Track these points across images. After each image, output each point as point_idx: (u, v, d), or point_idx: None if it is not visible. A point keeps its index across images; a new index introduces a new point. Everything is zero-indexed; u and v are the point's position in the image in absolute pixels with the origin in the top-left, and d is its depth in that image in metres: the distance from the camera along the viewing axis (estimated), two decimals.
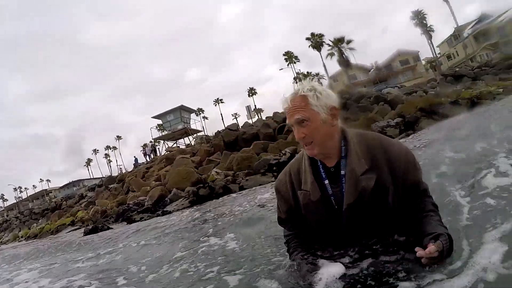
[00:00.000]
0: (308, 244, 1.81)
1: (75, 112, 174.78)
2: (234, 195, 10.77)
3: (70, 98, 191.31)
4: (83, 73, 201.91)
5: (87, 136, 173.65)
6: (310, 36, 51.48)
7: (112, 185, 27.12)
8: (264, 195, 7.72)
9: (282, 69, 58.54)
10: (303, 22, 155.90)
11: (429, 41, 52.81)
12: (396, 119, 15.66)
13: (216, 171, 15.58)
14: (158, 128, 42.63)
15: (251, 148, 19.19)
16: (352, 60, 51.19)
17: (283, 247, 2.82)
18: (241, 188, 10.97)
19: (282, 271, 2.05)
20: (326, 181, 1.70)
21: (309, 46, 52.04)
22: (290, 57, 58.45)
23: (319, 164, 1.74)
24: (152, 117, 38.66)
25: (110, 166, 79.44)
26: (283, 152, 15.27)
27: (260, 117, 40.13)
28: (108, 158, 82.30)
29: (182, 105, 37.57)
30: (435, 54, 55.83)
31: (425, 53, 71.66)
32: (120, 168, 48.81)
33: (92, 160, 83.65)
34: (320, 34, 51.39)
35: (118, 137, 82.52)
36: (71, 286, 3.39)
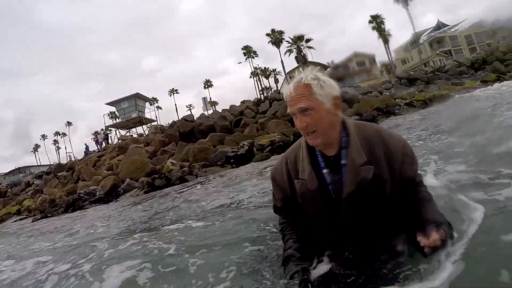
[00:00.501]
0: (302, 232, 1.80)
1: (26, 95, 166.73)
2: (191, 183, 10.81)
3: (21, 80, 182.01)
4: (37, 55, 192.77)
5: (37, 121, 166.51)
6: (270, 32, 52.27)
7: (61, 173, 26.04)
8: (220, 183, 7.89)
9: (240, 63, 58.80)
10: (263, 18, 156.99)
11: (386, 45, 54.83)
12: (353, 117, 16.20)
13: (171, 162, 15.41)
14: (111, 115, 41.50)
15: (207, 139, 19.15)
16: (310, 58, 52.17)
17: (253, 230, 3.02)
18: (200, 182, 10.91)
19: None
20: (325, 170, 1.70)
21: (268, 42, 52.77)
22: (248, 52, 58.91)
23: (317, 153, 1.73)
24: (105, 104, 37.45)
25: (59, 153, 76.59)
26: (241, 145, 15.38)
27: (215, 109, 40.03)
28: (57, 144, 79.28)
29: (137, 93, 36.70)
30: (391, 58, 58.11)
31: (381, 56, 74.40)
32: (70, 156, 47.28)
33: (40, 146, 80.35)
34: (280, 31, 52.45)
35: (68, 123, 79.60)
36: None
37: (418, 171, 1.78)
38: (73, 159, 35.53)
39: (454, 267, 1.43)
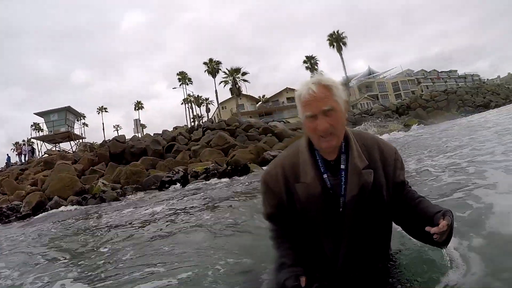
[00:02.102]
0: (294, 238, 1.79)
1: None
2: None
3: None
4: None
5: None
6: (208, 61, 53.08)
7: None
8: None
9: (175, 88, 59.05)
10: (200, 46, 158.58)
11: None
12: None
13: (103, 182, 15.47)
14: (35, 127, 39.65)
15: (140, 162, 19.28)
16: (244, 91, 53.85)
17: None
18: (140, 200, 11.37)
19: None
20: (325, 175, 1.72)
21: (205, 71, 53.62)
22: (183, 78, 59.39)
23: (318, 158, 1.75)
24: (34, 113, 35.46)
25: None
26: (176, 170, 15.86)
27: (143, 132, 39.69)
28: None
29: (69, 107, 35.39)
30: None
31: None
32: None
33: None
34: (217, 61, 53.44)
35: None
36: None
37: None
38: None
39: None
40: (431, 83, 75.02)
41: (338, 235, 1.70)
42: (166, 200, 9.92)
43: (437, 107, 43.00)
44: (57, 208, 13.57)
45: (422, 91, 64.34)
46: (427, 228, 1.48)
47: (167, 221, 6.11)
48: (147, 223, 6.46)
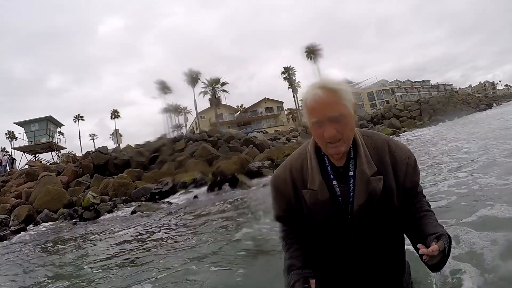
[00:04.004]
0: (304, 240, 1.74)
1: None
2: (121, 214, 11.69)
3: None
4: None
5: None
6: (187, 72, 53.39)
7: None
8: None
9: (155, 97, 59.05)
10: (177, 54, 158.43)
11: (295, 95, 58.49)
12: (267, 161, 18.20)
13: (92, 195, 15.75)
14: (9, 135, 39.08)
15: (126, 174, 19.57)
16: (223, 101, 54.31)
17: None
18: (133, 213, 11.83)
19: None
20: (335, 182, 1.62)
21: (184, 81, 53.84)
22: (163, 87, 59.43)
23: (327, 164, 1.65)
24: (14, 123, 34.66)
25: None
26: (165, 182, 16.26)
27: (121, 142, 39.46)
28: None
29: (50, 116, 34.91)
30: (298, 106, 61.92)
31: (289, 104, 79.49)
32: None
33: None
34: (197, 71, 53.71)
35: None
36: None
37: (420, 183, 1.74)
38: None
39: None
40: (405, 93, 77.87)
41: (347, 242, 1.62)
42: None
43: (410, 116, 44.97)
44: (48, 222, 13.84)
45: (396, 101, 66.65)
46: (419, 246, 1.41)
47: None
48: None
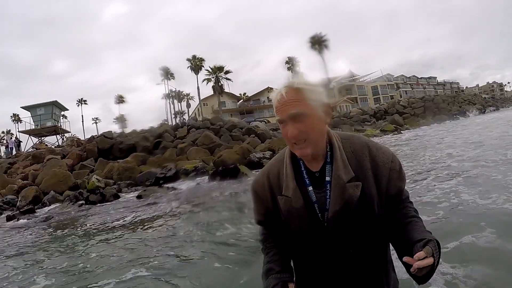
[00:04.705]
0: (283, 245, 1.69)
1: None
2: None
3: None
4: None
5: None
6: (191, 58, 53.32)
7: None
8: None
9: (158, 84, 59.19)
10: (180, 40, 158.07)
11: None
12: (268, 152, 18.61)
13: (96, 178, 16.19)
14: (14, 118, 39.55)
15: (132, 159, 19.99)
16: (226, 89, 54.36)
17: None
18: (139, 197, 12.39)
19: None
20: (310, 188, 1.56)
21: (188, 67, 53.77)
22: (166, 73, 59.54)
23: (302, 169, 1.59)
24: (21, 107, 35.78)
25: None
26: (169, 167, 16.69)
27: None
28: None
29: (55, 101, 35.74)
30: None
31: None
32: None
33: None
34: (201, 58, 53.61)
35: None
36: None
37: (405, 188, 1.64)
38: None
39: None
40: (410, 89, 77.29)
41: (323, 251, 1.55)
42: None
43: (413, 113, 44.19)
44: (54, 204, 14.39)
45: (401, 96, 66.30)
46: (405, 259, 1.30)
47: None
48: None
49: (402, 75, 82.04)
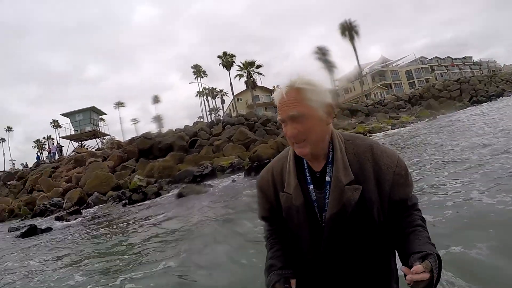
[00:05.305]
0: (286, 241, 1.68)
1: None
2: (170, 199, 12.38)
3: None
4: None
5: None
6: (222, 55, 53.65)
7: (10, 182, 25.78)
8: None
9: (191, 83, 59.81)
10: (210, 37, 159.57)
11: (329, 75, 56.29)
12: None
13: (138, 178, 16.62)
14: (54, 125, 41.00)
15: (169, 158, 20.30)
16: (258, 83, 54.39)
17: None
18: (180, 195, 12.51)
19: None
20: (311, 186, 1.55)
21: (219, 64, 54.11)
22: (198, 71, 60.13)
23: (305, 167, 1.58)
24: (61, 114, 37.68)
25: None
26: (205, 165, 16.89)
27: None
28: None
29: (93, 107, 37.24)
30: (334, 86, 59.87)
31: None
32: (13, 163, 45.98)
33: None
34: (232, 54, 53.85)
35: (9, 128, 75.37)
36: None
37: (413, 194, 1.57)
38: (18, 167, 35.11)
39: None
40: (445, 71, 73.82)
41: (318, 252, 1.53)
42: None
43: (449, 96, 42.27)
44: (98, 204, 14.85)
45: (436, 79, 63.71)
46: (402, 268, 1.26)
47: None
48: None
49: (436, 57, 78.22)
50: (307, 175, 1.54)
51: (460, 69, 74.40)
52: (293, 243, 1.61)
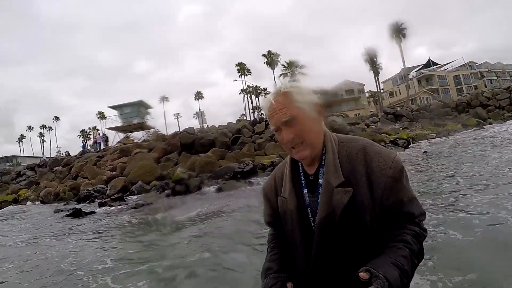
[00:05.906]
0: (286, 245, 1.65)
1: (11, 83, 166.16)
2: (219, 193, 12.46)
3: (9, 68, 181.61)
4: (25, 43, 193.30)
5: (20, 111, 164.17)
6: (266, 54, 54.10)
7: (56, 168, 27.04)
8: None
9: (235, 80, 60.29)
10: (254, 35, 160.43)
11: (376, 77, 55.76)
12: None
13: (181, 170, 16.83)
14: (100, 116, 42.48)
15: (211, 153, 20.51)
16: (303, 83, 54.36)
17: None
18: (219, 190, 12.66)
19: None
20: (305, 190, 1.52)
21: (264, 63, 54.58)
22: (242, 69, 60.55)
23: (300, 171, 1.56)
24: (108, 107, 39.50)
25: (43, 146, 77.09)
26: (246, 162, 16.87)
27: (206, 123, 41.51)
28: (42, 137, 79.43)
29: (141, 101, 38.61)
30: (379, 89, 59.32)
31: (370, 86, 76.05)
32: (59, 151, 47.97)
33: (25, 137, 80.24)
34: (276, 53, 54.20)
35: (56, 118, 79.80)
36: None
37: (414, 203, 1.44)
38: (63, 155, 36.65)
39: None
40: (495, 77, 69.50)
41: (308, 257, 1.50)
42: None
43: (498, 105, 39.38)
44: (141, 193, 15.15)
45: (485, 86, 60.21)
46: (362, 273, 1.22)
47: None
48: None
49: (486, 62, 72.94)
50: (302, 179, 1.54)
51: (511, 76, 69.81)
52: (290, 247, 1.60)
